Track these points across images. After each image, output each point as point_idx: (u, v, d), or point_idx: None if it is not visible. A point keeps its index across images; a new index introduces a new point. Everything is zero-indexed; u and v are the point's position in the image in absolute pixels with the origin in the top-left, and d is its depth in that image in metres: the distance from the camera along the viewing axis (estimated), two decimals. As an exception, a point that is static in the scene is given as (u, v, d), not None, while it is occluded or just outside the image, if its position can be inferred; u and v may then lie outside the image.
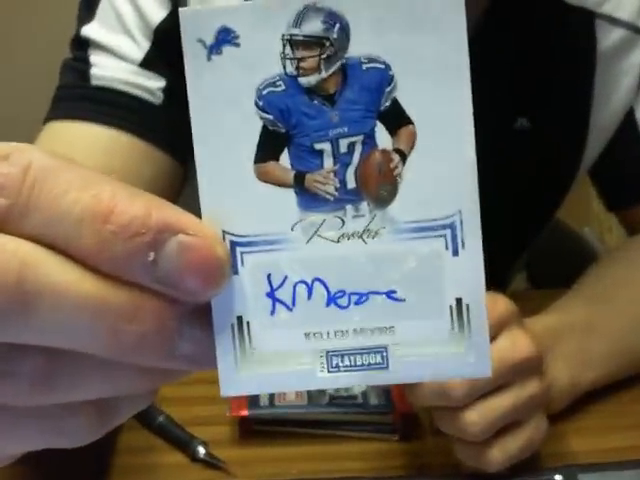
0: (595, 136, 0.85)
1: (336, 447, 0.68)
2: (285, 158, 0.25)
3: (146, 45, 0.74)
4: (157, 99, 0.74)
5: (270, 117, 0.24)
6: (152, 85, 0.74)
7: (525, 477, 0.62)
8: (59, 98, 0.76)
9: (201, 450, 0.66)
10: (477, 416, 0.58)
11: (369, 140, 0.24)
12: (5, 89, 1.87)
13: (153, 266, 0.22)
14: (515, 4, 0.79)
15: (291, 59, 0.24)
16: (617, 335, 0.73)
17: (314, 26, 0.24)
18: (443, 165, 0.24)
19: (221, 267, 0.23)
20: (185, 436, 0.68)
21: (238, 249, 0.25)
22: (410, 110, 0.24)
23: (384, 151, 0.24)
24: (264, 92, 0.24)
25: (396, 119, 0.24)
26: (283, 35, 0.24)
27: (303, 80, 0.24)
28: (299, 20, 0.24)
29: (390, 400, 0.69)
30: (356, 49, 0.24)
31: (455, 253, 0.25)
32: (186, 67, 0.24)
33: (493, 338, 0.58)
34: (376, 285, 0.25)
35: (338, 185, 0.25)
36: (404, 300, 0.25)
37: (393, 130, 0.24)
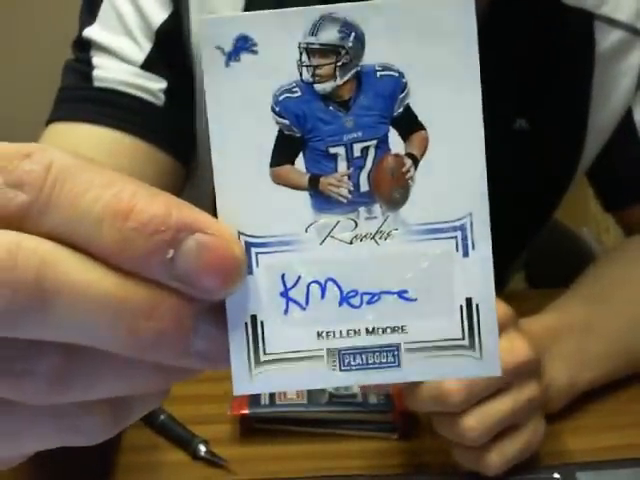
0: (593, 137, 0.85)
1: (336, 445, 0.68)
2: (300, 162, 0.25)
3: (147, 47, 0.74)
4: (159, 100, 0.75)
5: (286, 122, 0.25)
6: (154, 86, 0.74)
7: (523, 475, 0.63)
8: (62, 99, 0.76)
9: (202, 448, 0.67)
10: (475, 421, 0.58)
11: (382, 145, 0.25)
12: (7, 90, 1.87)
13: (172, 264, 0.22)
14: (513, 6, 0.79)
15: (307, 66, 0.24)
16: (615, 335, 0.73)
17: (330, 35, 0.24)
18: (454, 169, 0.25)
19: (238, 266, 0.23)
20: (186, 434, 0.68)
21: (253, 249, 0.25)
22: (422, 116, 0.25)
23: (397, 155, 0.25)
24: (280, 98, 0.25)
25: (409, 125, 0.25)
26: (300, 43, 0.24)
27: (319, 87, 0.25)
28: (316, 29, 0.24)
29: (389, 399, 0.69)
30: (371, 57, 0.24)
31: (465, 254, 0.25)
32: (204, 73, 0.24)
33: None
34: (388, 285, 0.25)
35: (352, 188, 0.25)
36: (415, 300, 0.25)
37: (406, 135, 0.25)
